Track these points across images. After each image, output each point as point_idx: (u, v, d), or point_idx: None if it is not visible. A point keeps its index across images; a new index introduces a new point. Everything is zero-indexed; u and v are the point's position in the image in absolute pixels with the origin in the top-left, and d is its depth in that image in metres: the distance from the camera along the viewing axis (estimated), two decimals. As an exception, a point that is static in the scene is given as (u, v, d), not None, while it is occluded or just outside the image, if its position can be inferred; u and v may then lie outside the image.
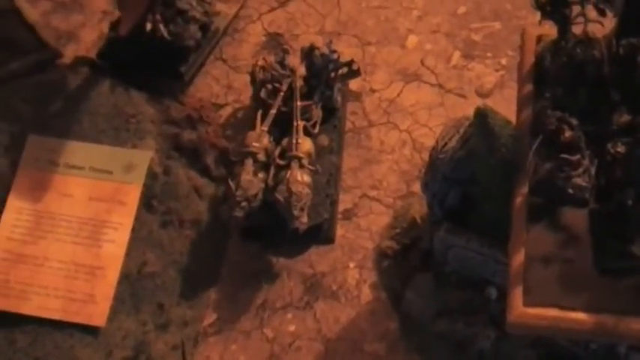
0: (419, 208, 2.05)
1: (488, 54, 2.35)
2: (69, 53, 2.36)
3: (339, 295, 2.04)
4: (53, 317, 1.93)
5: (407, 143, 2.23)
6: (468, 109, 2.09)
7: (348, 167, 2.20)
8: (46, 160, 2.09)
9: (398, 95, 2.30)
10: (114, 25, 2.30)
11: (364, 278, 2.05)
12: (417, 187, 2.10)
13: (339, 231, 2.11)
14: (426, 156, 2.01)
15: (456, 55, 2.36)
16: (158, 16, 2.21)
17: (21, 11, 2.25)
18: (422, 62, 2.35)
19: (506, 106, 1.91)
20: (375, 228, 2.11)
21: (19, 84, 2.22)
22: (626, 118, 1.62)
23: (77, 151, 2.10)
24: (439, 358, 1.90)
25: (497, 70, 2.32)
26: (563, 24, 1.65)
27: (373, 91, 2.32)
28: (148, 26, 2.21)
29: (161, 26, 2.22)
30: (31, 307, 1.94)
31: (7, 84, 2.22)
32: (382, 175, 2.19)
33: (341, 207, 2.14)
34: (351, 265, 2.07)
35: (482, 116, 1.62)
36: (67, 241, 2.01)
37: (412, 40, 2.40)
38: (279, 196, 1.98)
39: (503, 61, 2.33)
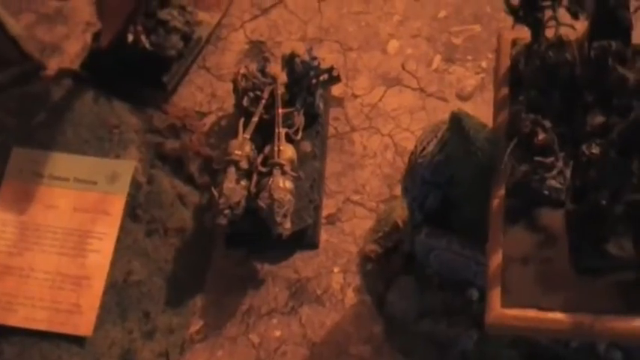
0: (401, 212, 2.06)
1: (469, 57, 2.37)
2: (53, 65, 2.38)
3: (324, 300, 2.06)
4: (40, 328, 1.94)
5: (389, 147, 2.25)
6: (449, 112, 2.09)
7: (331, 172, 2.22)
8: (31, 172, 2.11)
9: (380, 100, 2.32)
10: (96, 37, 2.32)
11: (348, 282, 2.07)
12: (399, 190, 2.11)
13: (323, 236, 2.13)
14: (407, 160, 2.03)
15: (437, 58, 2.38)
16: (139, 27, 2.23)
17: (3, 24, 2.26)
18: (403, 67, 2.37)
19: (486, 109, 1.92)
20: (359, 232, 2.13)
21: (3, 96, 2.23)
22: (599, 119, 1.63)
23: (61, 162, 2.12)
24: (423, 359, 1.92)
25: (477, 73, 2.34)
26: (536, 28, 1.67)
27: (355, 96, 2.34)
28: (130, 37, 2.23)
29: (143, 37, 2.24)
30: (18, 318, 1.95)
31: (-9, 97, 2.24)
32: (365, 180, 2.21)
33: (325, 212, 2.16)
34: (336, 269, 2.09)
35: (457, 120, 1.64)
36: (53, 252, 2.02)
37: (393, 44, 2.41)
38: (262, 203, 2.00)
39: (484, 64, 2.35)
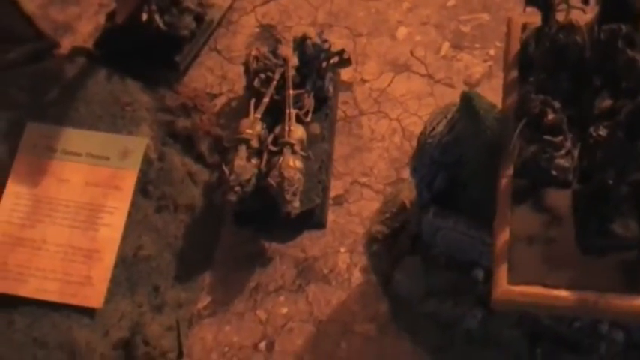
0: (408, 194, 2.09)
1: (477, 45, 2.40)
2: (66, 44, 2.41)
3: (331, 278, 2.08)
4: (51, 299, 1.97)
5: (397, 132, 2.28)
6: (456, 98, 2.11)
7: (340, 155, 2.25)
8: (44, 147, 2.14)
9: (388, 85, 2.35)
10: (110, 16, 2.35)
11: (355, 262, 2.10)
12: (406, 173, 2.15)
13: (331, 216, 2.16)
14: (415, 144, 2.06)
15: (445, 46, 2.41)
16: (153, 6, 2.26)
17: (18, 2, 2.29)
18: (412, 53, 2.40)
19: (494, 96, 1.95)
20: (366, 213, 2.16)
21: (17, 73, 2.26)
22: (607, 102, 1.66)
23: (74, 137, 2.14)
24: (428, 337, 1.95)
25: (485, 61, 2.37)
26: (547, 10, 1.69)
27: (364, 81, 2.37)
28: (144, 16, 2.26)
29: (156, 16, 2.27)
30: (30, 289, 1.98)
31: (5, 73, 2.27)
32: (373, 163, 2.24)
33: (332, 193, 2.19)
34: (342, 249, 2.12)
35: (467, 99, 1.67)
36: (65, 225, 2.05)
37: (402, 31, 2.45)
38: (272, 181, 2.03)
39: (492, 52, 2.38)
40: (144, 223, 2.07)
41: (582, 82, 1.69)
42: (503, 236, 1.62)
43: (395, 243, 2.04)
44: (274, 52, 2.26)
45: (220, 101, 2.36)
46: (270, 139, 2.12)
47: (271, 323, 2.03)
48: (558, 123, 1.62)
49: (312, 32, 2.32)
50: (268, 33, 2.47)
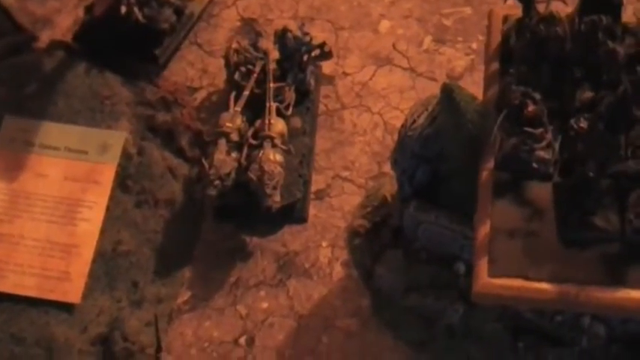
0: (390, 188, 2.08)
1: (459, 38, 2.39)
2: (44, 38, 2.38)
3: (312, 273, 2.07)
4: (29, 294, 1.95)
5: (379, 125, 2.27)
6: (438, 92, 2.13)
7: (321, 149, 2.23)
8: (22, 141, 2.11)
9: (370, 79, 2.34)
10: (88, 9, 2.33)
11: (336, 256, 2.08)
12: (388, 167, 2.13)
13: (312, 211, 2.15)
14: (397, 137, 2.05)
15: (428, 39, 2.40)
16: (132, -1, 2.24)
17: (-5, -4, 2.27)
18: (394, 46, 2.38)
19: (476, 90, 1.94)
20: (347, 207, 2.14)
21: (-5, 66, 2.24)
22: (588, 94, 1.66)
23: (53, 131, 2.12)
24: (409, 332, 1.94)
25: (467, 55, 2.36)
26: (528, 2, 1.69)
27: (346, 74, 2.35)
28: (123, 9, 2.23)
29: (136, 9, 2.25)
30: (7, 284, 1.96)
31: (-18, 67, 2.24)
32: (354, 157, 2.22)
33: (314, 187, 2.18)
34: (324, 243, 2.11)
35: (448, 91, 1.66)
36: (43, 220, 2.02)
37: (384, 24, 2.43)
38: (252, 175, 2.01)
39: (474, 46, 2.37)
40: (123, 218, 2.05)
41: (563, 74, 1.69)
42: (484, 229, 1.61)
43: (376, 237, 2.03)
44: (255, 45, 2.24)
45: (201, 95, 2.34)
46: (250, 132, 2.10)
47: (252, 318, 2.02)
48: (539, 115, 1.61)
49: (293, 25, 2.30)
50: (249, 26, 2.45)
